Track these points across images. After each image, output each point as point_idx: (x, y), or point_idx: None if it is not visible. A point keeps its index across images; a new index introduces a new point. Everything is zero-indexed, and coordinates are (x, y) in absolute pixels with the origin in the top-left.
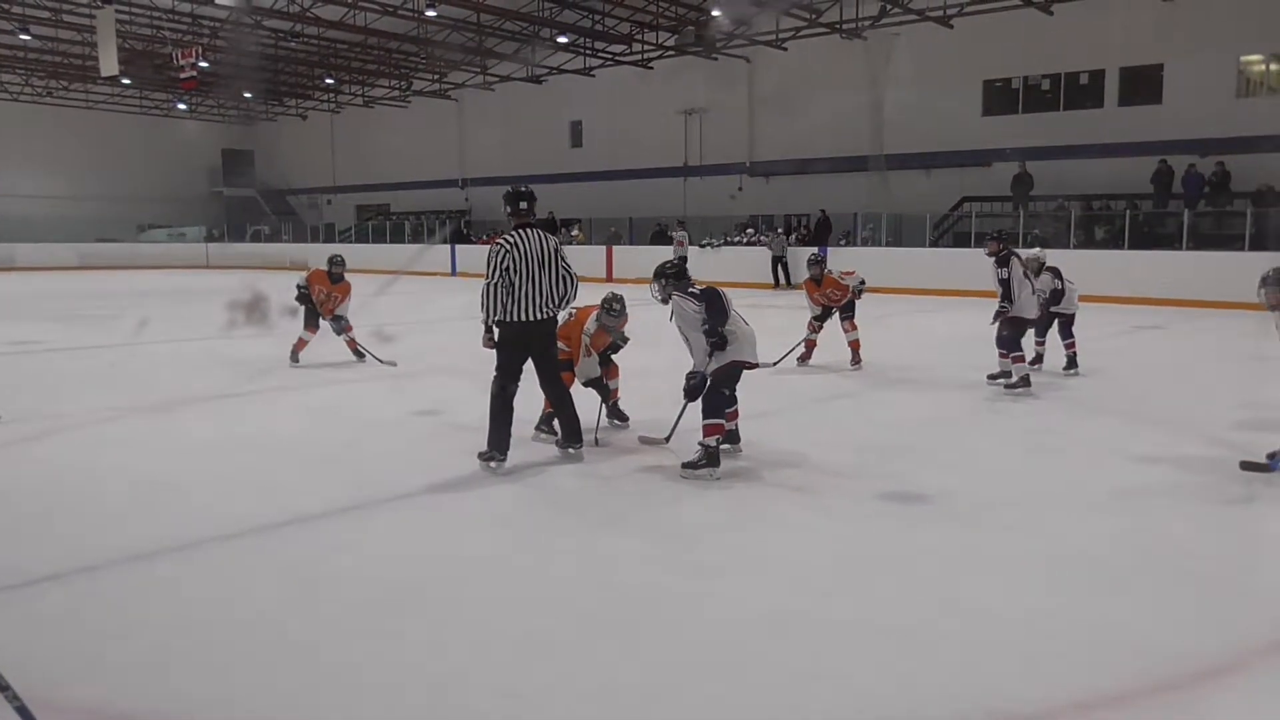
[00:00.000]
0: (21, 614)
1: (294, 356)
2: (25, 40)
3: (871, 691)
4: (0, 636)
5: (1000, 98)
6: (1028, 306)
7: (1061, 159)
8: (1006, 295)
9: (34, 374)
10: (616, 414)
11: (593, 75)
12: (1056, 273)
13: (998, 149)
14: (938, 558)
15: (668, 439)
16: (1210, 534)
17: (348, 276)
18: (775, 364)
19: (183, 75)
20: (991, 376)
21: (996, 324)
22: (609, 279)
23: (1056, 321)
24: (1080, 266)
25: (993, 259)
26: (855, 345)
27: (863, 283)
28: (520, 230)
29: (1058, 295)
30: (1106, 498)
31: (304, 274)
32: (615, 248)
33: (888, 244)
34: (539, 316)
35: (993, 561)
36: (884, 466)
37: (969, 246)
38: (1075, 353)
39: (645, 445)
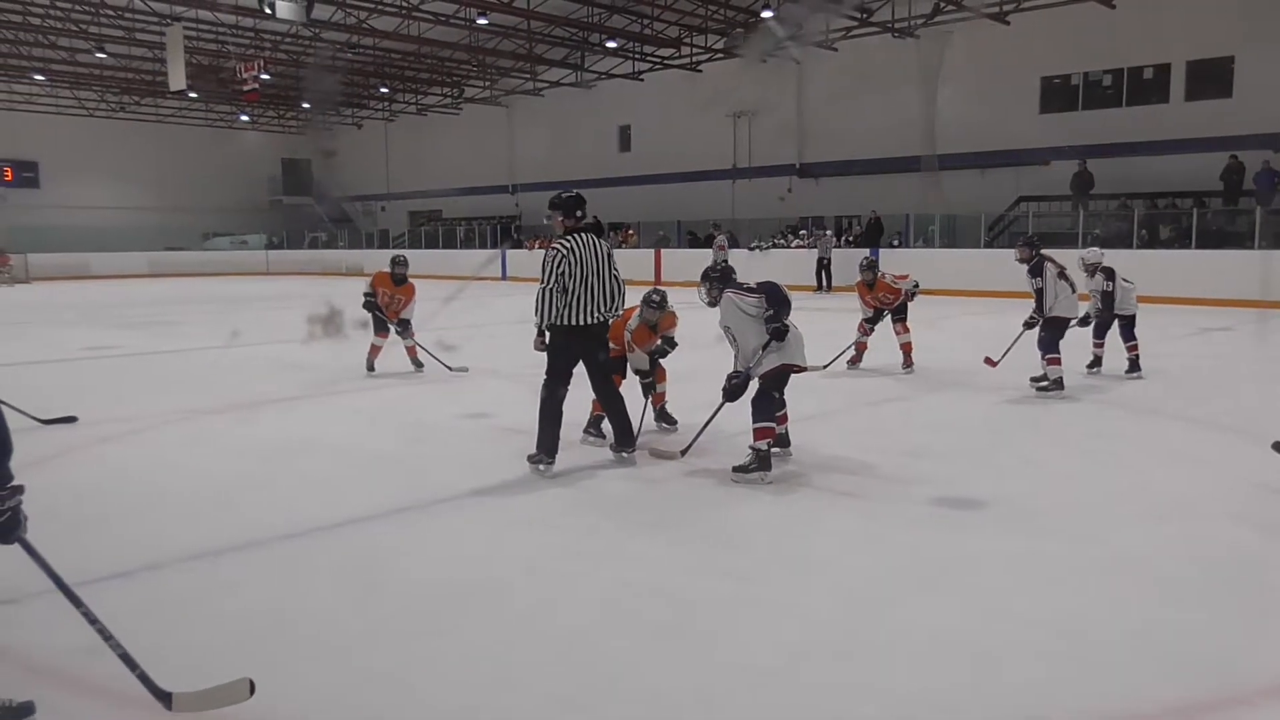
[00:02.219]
0: (95, 609)
1: (369, 365)
2: (101, 58)
3: (923, 702)
4: (72, 632)
5: (1059, 95)
6: (1066, 307)
7: (1124, 156)
8: (1040, 304)
9: (107, 378)
10: (664, 417)
11: (641, 80)
12: (1110, 274)
13: (1056, 147)
14: (991, 565)
15: (683, 453)
16: (1277, 544)
17: (411, 279)
18: (825, 367)
19: (245, 88)
20: (1034, 379)
21: (1037, 328)
22: (657, 282)
23: (1116, 323)
24: (1144, 267)
25: (1025, 265)
26: (907, 348)
27: (916, 286)
28: (575, 235)
29: (1109, 298)
30: (1168, 505)
31: (369, 280)
32: (664, 250)
33: (941, 245)
34: (590, 321)
35: (1049, 570)
36: (936, 471)
37: None
38: (1137, 355)
39: (658, 459)
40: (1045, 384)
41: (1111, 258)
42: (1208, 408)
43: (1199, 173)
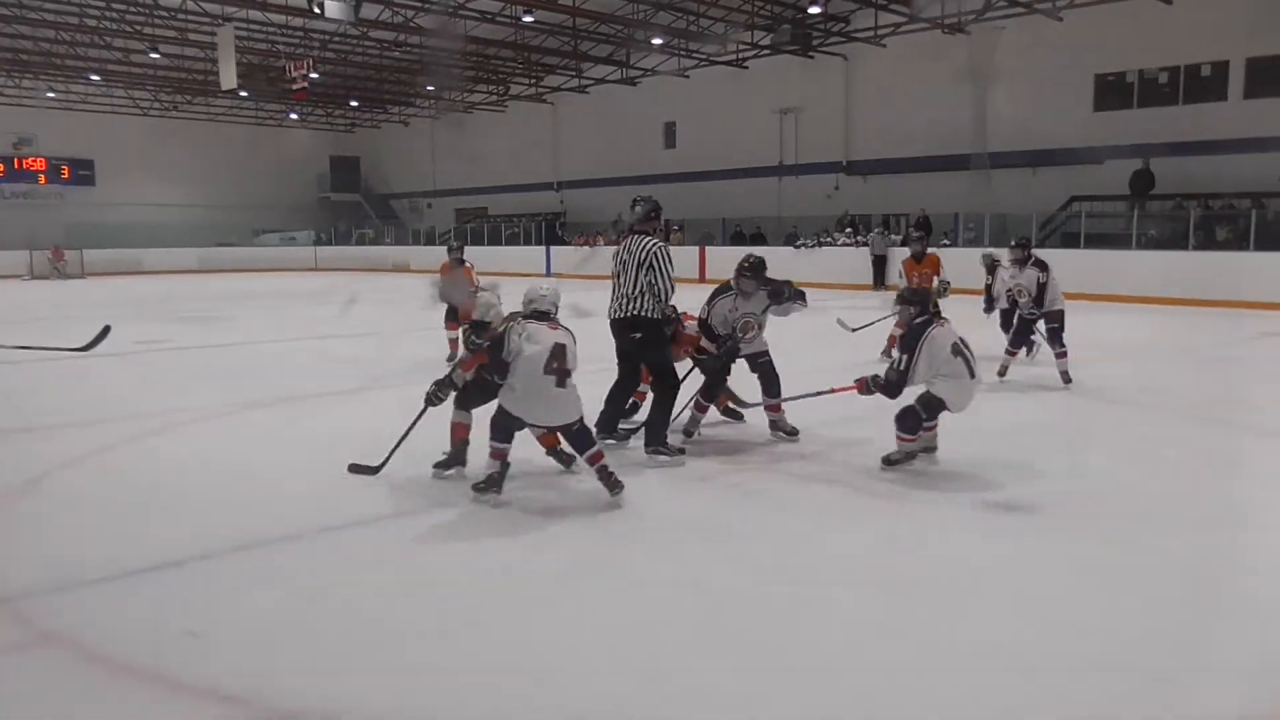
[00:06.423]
0: (145, 598)
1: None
2: (155, 59)
3: (968, 709)
4: (125, 619)
5: (1113, 92)
6: (1060, 300)
7: (1180, 156)
8: (1041, 298)
9: (158, 371)
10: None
11: (687, 76)
12: (1043, 265)
13: (1110, 146)
14: (1040, 571)
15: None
16: None
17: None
18: (855, 330)
19: (294, 86)
20: (1001, 373)
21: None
22: (701, 280)
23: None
24: (1199, 268)
25: (1021, 265)
26: None
27: (947, 285)
28: (626, 235)
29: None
30: (1222, 512)
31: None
32: (709, 248)
33: (991, 245)
34: (611, 315)
35: (1099, 576)
36: (983, 474)
37: (1077, 247)
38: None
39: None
40: (1067, 379)
41: (1166, 259)
42: (1263, 414)
43: (1258, 172)
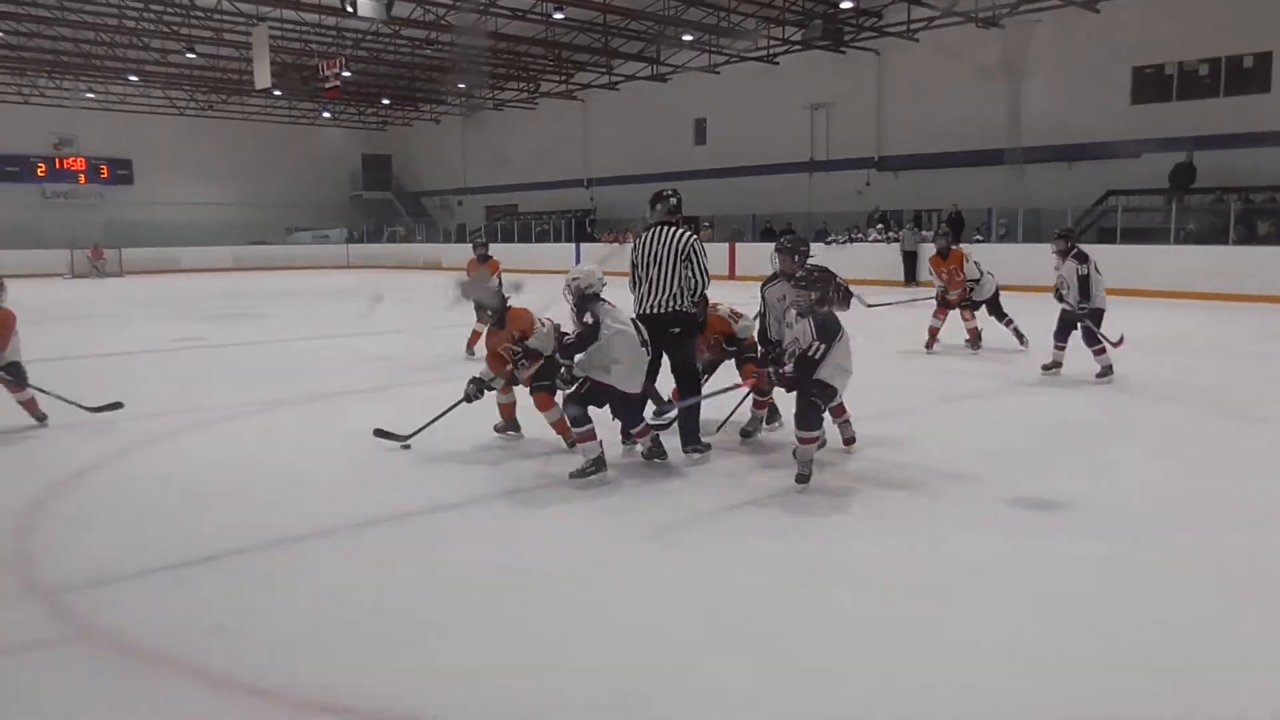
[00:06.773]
0: (181, 593)
1: (469, 349)
2: (191, 59)
3: (990, 711)
4: (162, 614)
5: (1151, 85)
6: (1102, 297)
7: (1221, 149)
8: (1086, 292)
9: (192, 368)
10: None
11: (718, 72)
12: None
13: (1148, 139)
14: (1066, 570)
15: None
16: None
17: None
18: (871, 306)
19: (327, 85)
20: (1046, 366)
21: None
22: (731, 277)
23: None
24: (1239, 263)
25: (1063, 256)
26: (973, 333)
27: (978, 280)
28: (650, 228)
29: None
30: (1247, 508)
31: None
32: (739, 245)
33: (1024, 240)
34: (645, 311)
35: (1127, 575)
36: (1012, 471)
37: (1113, 243)
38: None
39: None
40: (1103, 373)
41: (1205, 253)
42: None
43: None
